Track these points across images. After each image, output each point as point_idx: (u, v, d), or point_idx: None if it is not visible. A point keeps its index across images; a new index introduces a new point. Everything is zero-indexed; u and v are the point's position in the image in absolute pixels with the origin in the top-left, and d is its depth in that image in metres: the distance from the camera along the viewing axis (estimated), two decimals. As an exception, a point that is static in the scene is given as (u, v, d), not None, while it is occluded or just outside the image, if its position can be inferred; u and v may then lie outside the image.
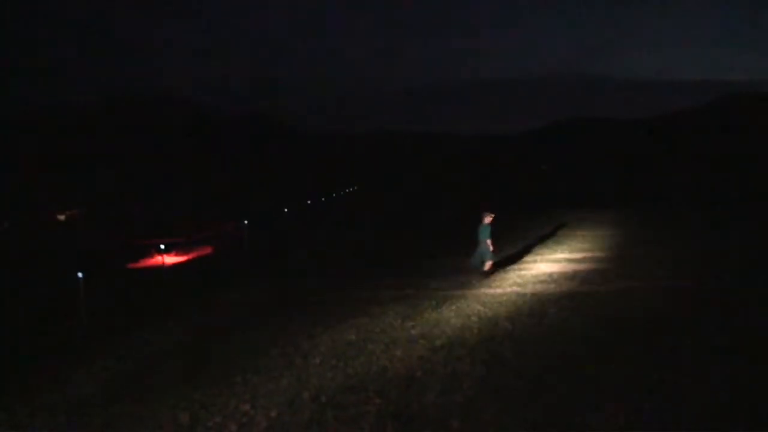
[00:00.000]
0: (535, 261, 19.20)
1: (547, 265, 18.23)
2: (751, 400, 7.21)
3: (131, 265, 26.94)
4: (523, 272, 17.32)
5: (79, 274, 16.12)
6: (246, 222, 30.64)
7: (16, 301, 20.57)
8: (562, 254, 20.03)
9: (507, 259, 19.53)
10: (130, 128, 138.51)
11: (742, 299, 12.03)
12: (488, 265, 16.94)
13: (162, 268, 20.77)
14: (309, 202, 50.46)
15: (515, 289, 14.89)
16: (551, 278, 15.88)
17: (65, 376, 11.59)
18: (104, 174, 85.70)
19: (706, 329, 10.09)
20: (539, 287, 14.83)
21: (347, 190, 69.49)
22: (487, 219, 16.77)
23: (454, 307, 13.37)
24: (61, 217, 50.20)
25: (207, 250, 29.86)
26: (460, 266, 18.37)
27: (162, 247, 23.47)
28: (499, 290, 14.89)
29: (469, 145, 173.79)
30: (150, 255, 27.55)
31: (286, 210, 38.60)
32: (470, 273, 17.21)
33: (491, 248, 16.66)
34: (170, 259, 26.17)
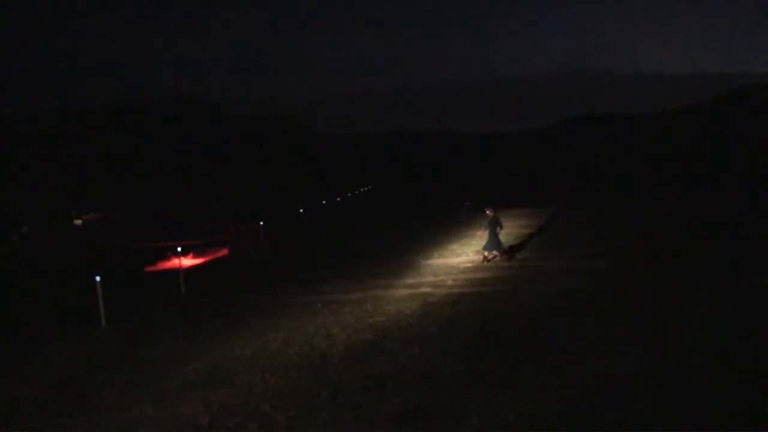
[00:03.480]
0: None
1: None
2: None
3: (148, 268, 27.01)
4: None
5: (97, 278, 16.18)
6: (262, 223, 30.70)
7: (34, 306, 20.64)
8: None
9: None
10: (147, 131, 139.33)
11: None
12: (488, 253, 19.47)
13: (179, 271, 20.77)
14: (324, 202, 50.56)
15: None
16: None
17: (87, 382, 11.62)
18: (121, 178, 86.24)
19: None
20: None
21: (361, 190, 69.52)
22: (490, 212, 19.24)
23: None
24: (78, 222, 50.44)
25: (224, 252, 29.91)
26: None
27: (179, 249, 23.49)
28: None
29: (480, 143, 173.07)
30: (167, 258, 27.61)
31: (301, 210, 38.65)
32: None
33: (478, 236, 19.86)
34: (187, 262, 26.20)
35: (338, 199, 55.93)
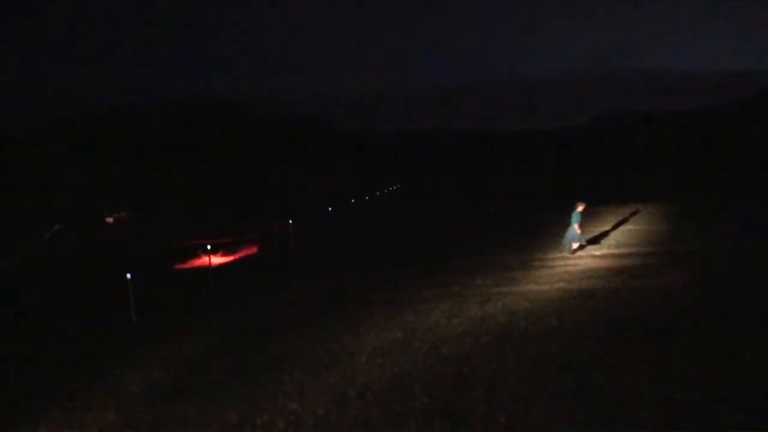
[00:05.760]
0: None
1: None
2: None
3: (178, 266, 27.27)
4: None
5: (128, 276, 16.36)
6: (291, 221, 30.78)
7: (69, 301, 20.94)
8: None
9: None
10: (175, 130, 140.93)
11: None
12: (575, 245, 19.60)
13: (208, 269, 20.92)
14: (352, 201, 50.59)
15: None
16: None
17: (116, 377, 11.75)
18: (151, 176, 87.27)
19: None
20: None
21: (390, 189, 69.48)
22: (580, 207, 19.37)
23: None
24: (110, 220, 51.08)
25: (253, 250, 30.08)
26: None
27: (208, 247, 23.67)
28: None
29: (510, 142, 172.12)
30: (197, 256, 27.87)
31: (330, 209, 38.70)
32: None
33: (579, 232, 19.29)
34: (217, 260, 26.41)
35: (366, 198, 55.97)
